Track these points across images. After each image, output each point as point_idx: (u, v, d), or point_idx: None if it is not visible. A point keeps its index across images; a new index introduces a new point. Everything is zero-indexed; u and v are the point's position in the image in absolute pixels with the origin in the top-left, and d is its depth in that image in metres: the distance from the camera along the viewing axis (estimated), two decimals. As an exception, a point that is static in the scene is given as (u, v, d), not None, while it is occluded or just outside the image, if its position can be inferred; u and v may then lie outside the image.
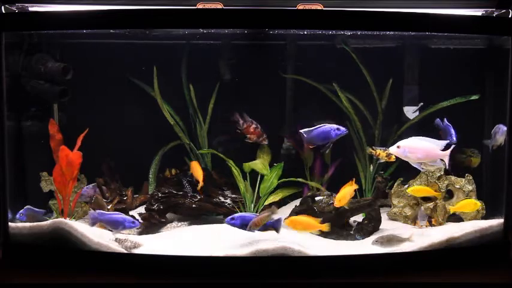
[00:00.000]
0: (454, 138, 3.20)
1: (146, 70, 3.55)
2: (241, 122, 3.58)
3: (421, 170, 2.96)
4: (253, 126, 3.56)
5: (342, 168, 3.70)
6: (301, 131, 2.99)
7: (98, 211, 3.00)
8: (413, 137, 2.95)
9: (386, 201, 3.61)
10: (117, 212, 3.06)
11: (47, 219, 3.20)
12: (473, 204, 3.17)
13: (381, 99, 3.57)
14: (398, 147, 2.93)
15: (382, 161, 3.31)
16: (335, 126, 2.95)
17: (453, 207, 3.24)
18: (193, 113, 3.68)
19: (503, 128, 3.09)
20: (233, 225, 2.84)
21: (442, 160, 2.91)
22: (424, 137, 2.96)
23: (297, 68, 3.69)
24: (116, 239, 2.93)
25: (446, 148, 2.90)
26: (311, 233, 3.13)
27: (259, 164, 3.44)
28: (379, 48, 3.63)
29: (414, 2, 3.25)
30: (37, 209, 3.21)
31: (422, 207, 3.33)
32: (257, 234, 2.86)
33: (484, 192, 3.42)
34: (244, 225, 2.83)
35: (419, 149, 2.91)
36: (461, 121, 3.32)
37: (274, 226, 2.85)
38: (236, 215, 2.86)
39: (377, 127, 3.60)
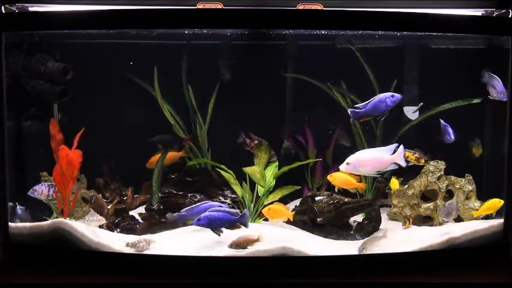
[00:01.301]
0: (453, 137, 3.19)
1: (146, 70, 3.55)
2: (248, 141, 3.57)
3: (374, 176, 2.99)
4: None
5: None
6: (356, 106, 2.91)
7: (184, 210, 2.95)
8: (360, 150, 2.94)
9: (386, 201, 3.61)
10: (200, 203, 2.99)
11: (44, 218, 3.21)
12: (497, 202, 3.11)
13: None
14: (348, 164, 2.90)
15: (410, 164, 3.25)
16: (389, 93, 2.91)
17: (477, 212, 3.22)
18: (193, 113, 3.68)
19: (501, 88, 3.08)
20: (201, 225, 2.83)
21: (396, 164, 2.87)
22: (370, 148, 2.97)
23: (297, 68, 3.69)
24: (128, 243, 2.90)
25: (395, 152, 2.87)
26: (311, 233, 3.14)
27: (258, 174, 3.37)
28: (379, 48, 3.62)
29: (414, 2, 3.25)
30: (20, 206, 3.17)
31: (448, 202, 3.28)
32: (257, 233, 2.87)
33: (484, 192, 3.42)
34: (211, 223, 2.82)
35: (368, 160, 2.88)
36: (461, 119, 3.32)
37: (242, 222, 2.85)
38: (202, 215, 2.84)
39: (379, 127, 3.60)
